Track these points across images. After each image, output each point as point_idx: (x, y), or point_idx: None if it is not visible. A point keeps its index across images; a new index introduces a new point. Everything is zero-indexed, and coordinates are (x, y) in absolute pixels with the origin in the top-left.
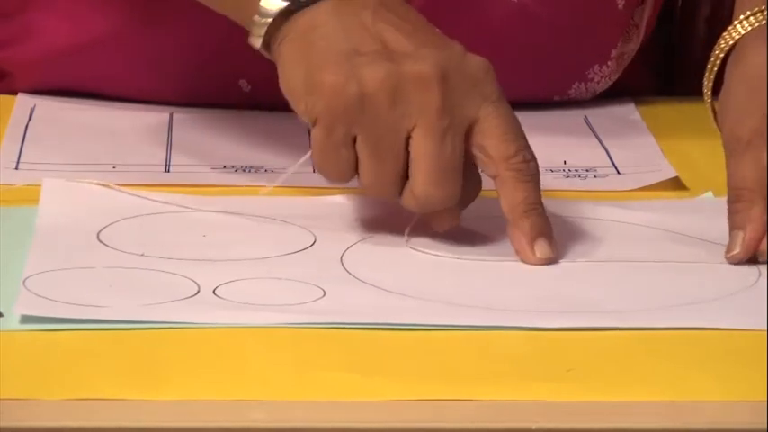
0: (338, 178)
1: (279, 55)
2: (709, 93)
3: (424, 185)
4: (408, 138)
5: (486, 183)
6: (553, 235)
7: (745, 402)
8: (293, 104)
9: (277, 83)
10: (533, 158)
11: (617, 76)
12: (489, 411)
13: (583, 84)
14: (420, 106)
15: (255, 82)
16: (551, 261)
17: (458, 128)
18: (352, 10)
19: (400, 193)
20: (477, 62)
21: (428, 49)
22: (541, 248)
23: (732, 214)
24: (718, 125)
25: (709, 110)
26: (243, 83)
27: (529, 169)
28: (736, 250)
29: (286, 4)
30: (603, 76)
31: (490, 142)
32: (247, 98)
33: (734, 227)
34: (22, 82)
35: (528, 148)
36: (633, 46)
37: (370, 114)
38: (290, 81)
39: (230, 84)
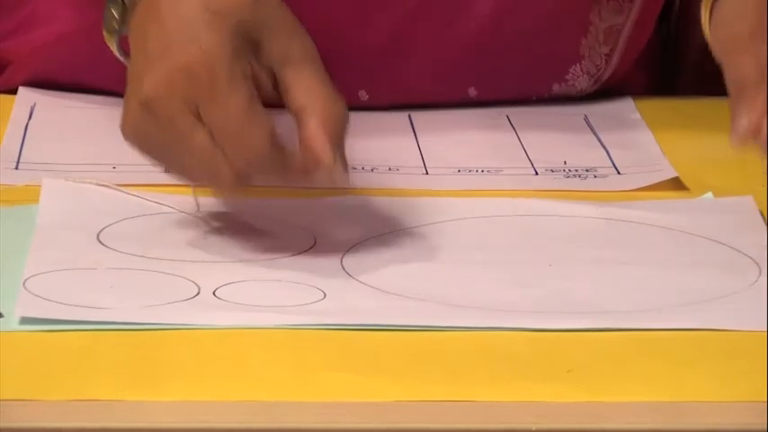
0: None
1: None
2: (707, 15)
3: None
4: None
5: (484, 182)
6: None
7: (745, 402)
8: None
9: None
10: None
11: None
12: (489, 412)
13: (578, 65)
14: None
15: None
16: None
17: None
18: None
19: None
20: None
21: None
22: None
23: (735, 107)
24: (710, 29)
25: (704, 18)
26: None
27: None
28: (744, 124)
29: None
30: (597, 53)
31: None
32: None
33: (738, 114)
34: (25, 72)
35: None
36: (623, 19)
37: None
38: None
39: None
